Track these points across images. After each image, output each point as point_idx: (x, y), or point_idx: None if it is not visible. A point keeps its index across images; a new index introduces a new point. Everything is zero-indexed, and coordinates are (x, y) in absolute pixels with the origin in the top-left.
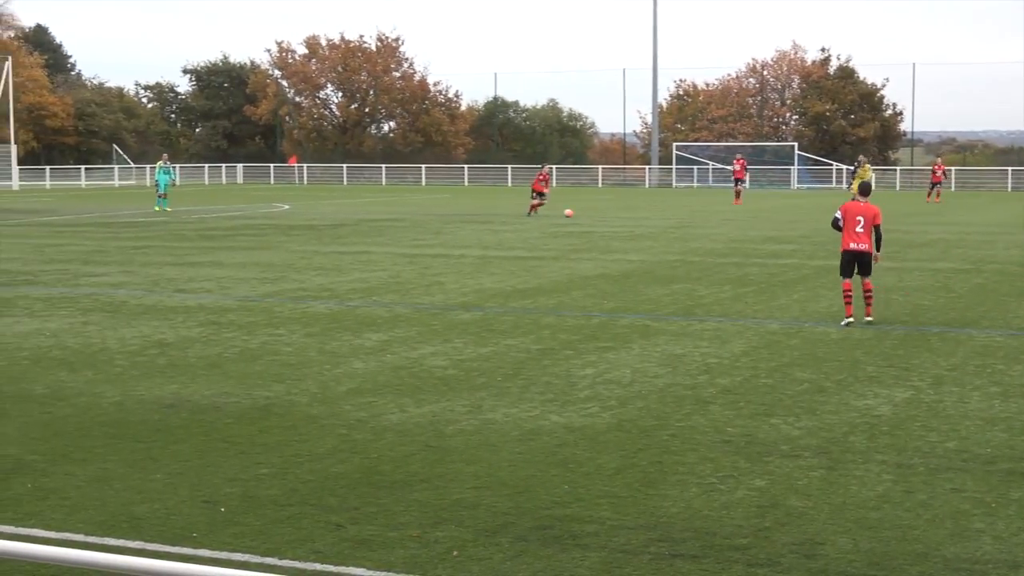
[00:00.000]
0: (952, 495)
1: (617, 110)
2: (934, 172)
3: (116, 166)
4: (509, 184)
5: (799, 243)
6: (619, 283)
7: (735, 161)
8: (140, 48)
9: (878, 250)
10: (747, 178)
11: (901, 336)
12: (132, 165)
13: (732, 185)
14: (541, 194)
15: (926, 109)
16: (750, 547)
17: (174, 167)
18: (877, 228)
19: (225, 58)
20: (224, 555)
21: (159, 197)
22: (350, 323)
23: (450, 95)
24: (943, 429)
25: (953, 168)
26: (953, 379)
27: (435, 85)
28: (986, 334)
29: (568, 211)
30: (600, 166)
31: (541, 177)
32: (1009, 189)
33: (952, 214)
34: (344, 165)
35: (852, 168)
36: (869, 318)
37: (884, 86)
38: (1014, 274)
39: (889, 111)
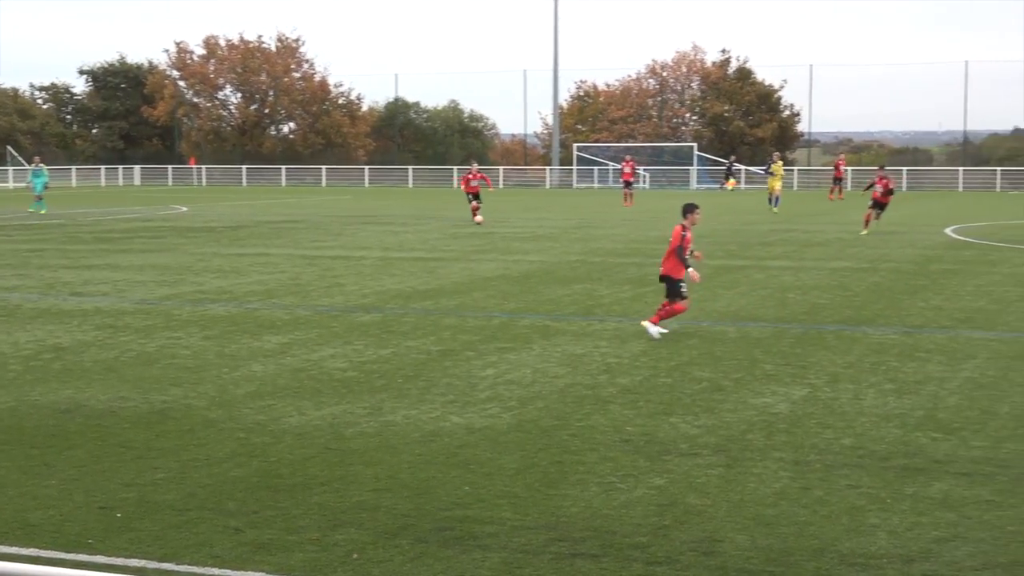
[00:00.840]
0: (848, 491)
1: (518, 111)
2: (837, 168)
3: (10, 168)
4: (410, 185)
5: (697, 243)
6: (520, 284)
7: (624, 163)
8: (35, 49)
9: (686, 267)
10: (644, 179)
11: (798, 334)
12: (27, 167)
13: (622, 187)
14: (475, 195)
15: (823, 110)
16: (649, 545)
17: (48, 168)
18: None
19: (122, 59)
20: (120, 561)
21: (36, 199)
22: (249, 326)
23: (351, 96)
24: (839, 426)
25: (850, 168)
26: (849, 377)
27: (336, 86)
28: (881, 332)
29: (479, 218)
30: (501, 167)
31: (470, 176)
32: (904, 188)
33: (848, 213)
34: (243, 166)
35: (726, 167)
36: (643, 323)
37: (782, 87)
38: (908, 272)
39: (787, 112)
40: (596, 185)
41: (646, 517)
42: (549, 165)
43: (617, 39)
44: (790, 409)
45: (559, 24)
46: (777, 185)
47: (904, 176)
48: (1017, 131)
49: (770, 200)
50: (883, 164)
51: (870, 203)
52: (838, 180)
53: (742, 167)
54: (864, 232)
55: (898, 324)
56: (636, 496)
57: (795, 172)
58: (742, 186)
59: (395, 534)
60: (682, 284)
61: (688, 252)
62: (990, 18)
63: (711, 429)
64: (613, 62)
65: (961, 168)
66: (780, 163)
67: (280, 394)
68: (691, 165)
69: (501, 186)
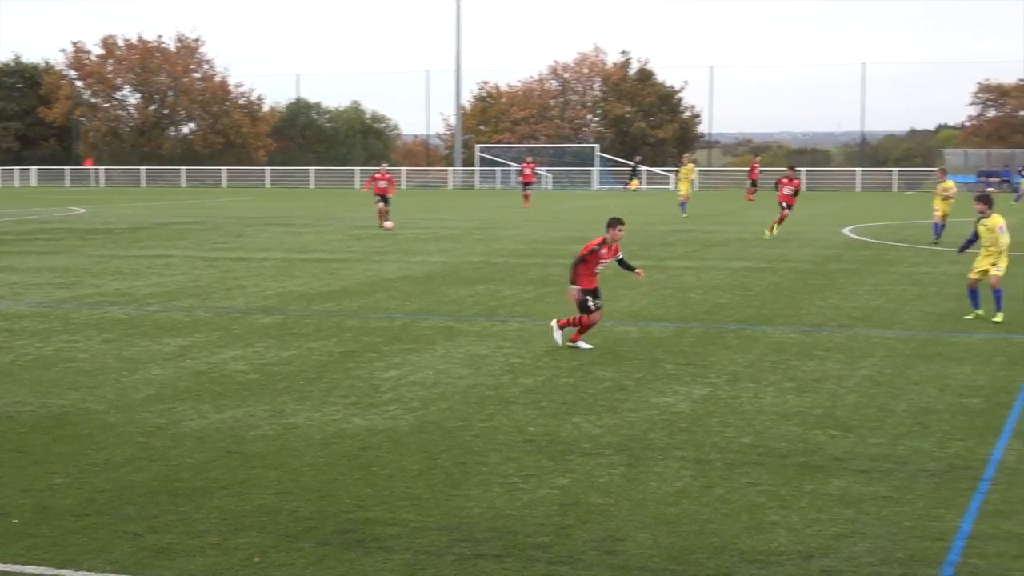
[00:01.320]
0: (748, 489)
1: (420, 112)
2: (752, 170)
3: None
4: (312, 186)
5: None
6: (422, 284)
7: (524, 164)
8: None
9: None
10: (546, 180)
11: (699, 334)
12: None
13: (521, 188)
14: (384, 198)
15: (724, 111)
16: (552, 545)
17: None
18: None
19: (17, 58)
20: (17, 568)
21: None
22: (148, 328)
23: (252, 97)
24: (739, 424)
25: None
26: (749, 375)
27: (236, 86)
28: (780, 331)
29: (388, 223)
30: (404, 168)
31: (377, 177)
32: (804, 189)
33: (748, 213)
34: (142, 167)
35: (632, 167)
36: (576, 343)
37: (683, 88)
38: (807, 272)
39: (688, 113)
40: (499, 186)
41: (549, 517)
42: (451, 166)
43: (519, 40)
44: (691, 408)
45: (461, 25)
46: (684, 188)
47: (803, 176)
48: (913, 132)
49: (683, 206)
50: (792, 164)
51: (783, 206)
52: (755, 183)
53: (644, 168)
54: (768, 235)
55: (797, 323)
56: (539, 496)
57: (695, 173)
58: (644, 187)
59: (297, 537)
60: (588, 297)
61: (600, 266)
62: (887, 21)
63: (613, 428)
64: (515, 63)
65: (859, 169)
66: (691, 165)
67: (180, 397)
68: (593, 166)
69: (404, 187)
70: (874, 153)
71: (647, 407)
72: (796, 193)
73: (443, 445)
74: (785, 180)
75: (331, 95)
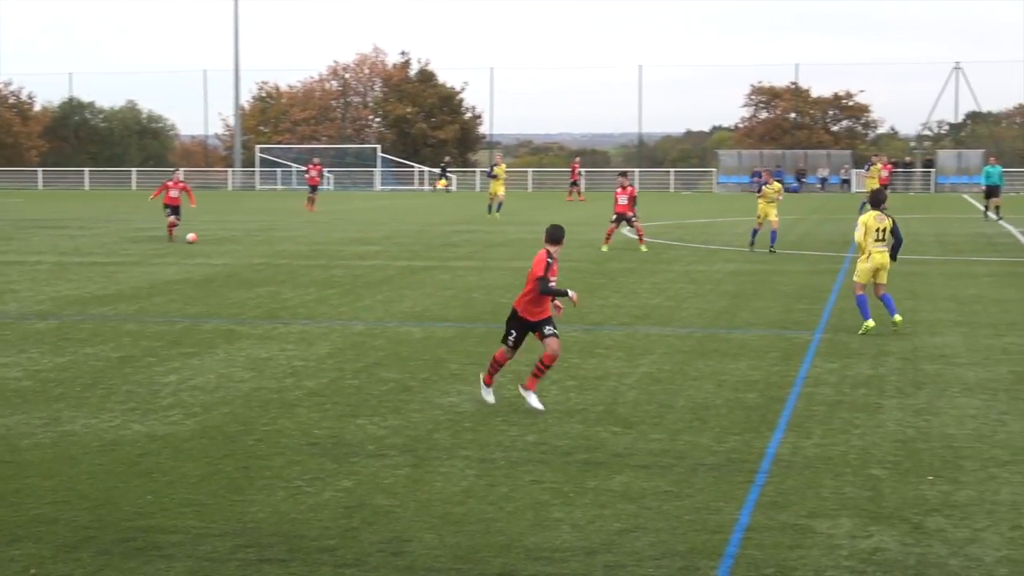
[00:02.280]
0: (532, 487)
1: (198, 112)
2: (573, 171)
3: None
4: (87, 188)
5: (383, 244)
6: (202, 287)
7: (311, 167)
8: None
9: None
10: (328, 181)
11: (482, 333)
12: None
13: (310, 191)
14: (175, 210)
15: (504, 112)
16: (338, 548)
17: None
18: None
19: None
20: None
21: None
22: None
23: (22, 96)
24: (523, 423)
25: (530, 169)
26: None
27: (6, 85)
28: (562, 329)
29: (191, 235)
30: (182, 169)
31: (170, 185)
32: (583, 188)
33: (529, 214)
34: None
35: (441, 167)
36: (521, 390)
37: (464, 89)
38: (588, 271)
39: (469, 114)
40: (279, 187)
41: (334, 520)
42: (231, 167)
43: (299, 40)
44: (475, 408)
45: (239, 23)
46: (500, 190)
47: (582, 177)
48: (689, 133)
49: (490, 208)
50: (623, 172)
51: (613, 217)
52: (575, 183)
53: (439, 169)
54: (604, 248)
55: (578, 322)
56: (324, 499)
57: (476, 173)
58: (426, 187)
59: (75, 547)
60: (512, 330)
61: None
62: (662, 24)
63: (398, 430)
64: (295, 63)
65: (637, 169)
66: (503, 165)
67: None
68: (375, 167)
69: None
70: (651, 154)
71: (432, 407)
72: (632, 201)
73: (225, 450)
74: (619, 190)
75: (106, 94)
